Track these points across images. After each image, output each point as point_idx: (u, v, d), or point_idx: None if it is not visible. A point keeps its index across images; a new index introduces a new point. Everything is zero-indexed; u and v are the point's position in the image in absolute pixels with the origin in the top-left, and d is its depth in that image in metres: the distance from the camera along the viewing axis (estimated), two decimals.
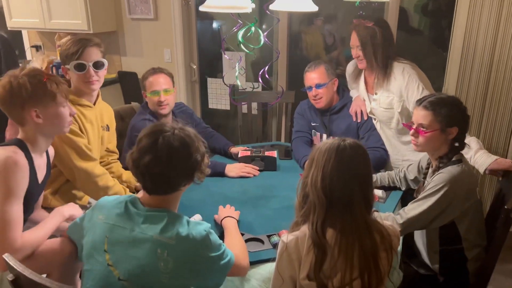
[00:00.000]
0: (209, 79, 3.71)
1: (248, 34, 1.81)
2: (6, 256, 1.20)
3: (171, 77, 2.32)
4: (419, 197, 1.63)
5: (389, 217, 1.64)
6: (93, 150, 1.88)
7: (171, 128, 1.26)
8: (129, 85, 3.83)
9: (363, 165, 1.21)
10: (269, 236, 1.64)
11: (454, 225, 1.65)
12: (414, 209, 1.61)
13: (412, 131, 1.69)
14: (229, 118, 3.88)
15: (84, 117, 1.85)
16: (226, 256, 1.29)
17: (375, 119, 2.34)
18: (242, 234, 1.65)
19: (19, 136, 1.51)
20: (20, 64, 2.97)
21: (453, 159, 1.64)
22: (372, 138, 2.28)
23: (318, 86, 2.32)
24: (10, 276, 1.17)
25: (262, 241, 1.62)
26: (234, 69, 3.50)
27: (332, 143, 1.23)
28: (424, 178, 1.78)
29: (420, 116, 1.65)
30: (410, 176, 1.95)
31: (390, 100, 2.17)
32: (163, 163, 1.21)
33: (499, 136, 2.87)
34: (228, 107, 3.71)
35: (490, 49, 2.68)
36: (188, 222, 1.27)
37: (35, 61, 4.04)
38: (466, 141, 1.87)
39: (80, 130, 1.82)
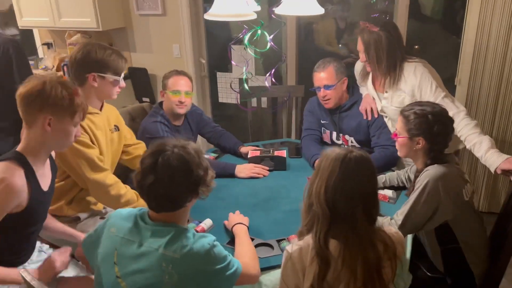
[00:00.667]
0: (218, 74, 3.70)
1: (254, 38, 1.80)
2: (23, 272, 1.24)
3: (191, 82, 2.42)
4: (409, 199, 1.65)
5: (385, 223, 1.65)
6: (104, 159, 1.91)
7: (172, 146, 1.27)
8: (139, 81, 3.85)
9: (367, 180, 1.22)
10: (278, 241, 1.66)
11: (448, 226, 1.66)
12: (404, 212, 1.63)
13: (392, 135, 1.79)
14: (239, 111, 3.88)
15: (94, 125, 1.88)
16: (232, 266, 1.30)
17: (386, 117, 2.31)
18: (252, 239, 1.67)
19: (19, 147, 1.51)
20: (32, 65, 2.99)
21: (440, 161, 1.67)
22: (383, 136, 2.26)
23: (326, 87, 2.30)
24: None
25: (271, 246, 1.64)
26: (243, 63, 3.49)
27: (339, 153, 1.23)
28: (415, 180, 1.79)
29: (398, 121, 1.76)
30: (412, 177, 1.94)
31: (402, 99, 2.14)
32: (165, 184, 1.23)
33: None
34: (238, 101, 3.71)
35: (505, 36, 2.62)
36: (193, 235, 1.28)
37: (47, 58, 4.08)
38: (477, 139, 1.86)
39: (91, 141, 1.85)
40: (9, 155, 1.48)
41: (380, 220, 1.59)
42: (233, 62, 1.94)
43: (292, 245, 1.26)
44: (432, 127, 1.64)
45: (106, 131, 1.99)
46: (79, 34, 3.74)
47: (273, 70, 1.78)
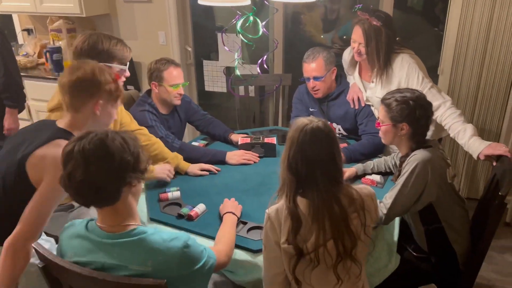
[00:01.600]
0: (205, 62, 3.69)
1: (247, 24, 1.82)
2: (35, 244, 1.25)
3: None
4: (396, 183, 1.72)
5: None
6: None
7: (95, 133, 1.18)
8: None
9: (323, 148, 1.32)
10: None
11: (431, 206, 1.73)
12: (393, 195, 1.69)
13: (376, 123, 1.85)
14: (226, 100, 3.89)
15: None
16: (209, 261, 1.28)
17: (372, 106, 2.37)
18: (245, 223, 1.71)
19: (64, 126, 1.53)
20: (13, 50, 2.93)
21: (424, 145, 1.75)
22: (370, 124, 2.31)
23: (315, 78, 2.34)
24: (39, 263, 1.24)
25: None
26: (231, 53, 3.49)
27: (300, 124, 1.34)
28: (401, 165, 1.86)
29: (379, 110, 1.82)
30: (398, 163, 2.01)
31: (387, 90, 2.19)
32: (83, 170, 1.12)
33: (493, 116, 2.92)
34: (224, 90, 3.71)
35: (486, 27, 2.70)
36: (163, 239, 1.18)
37: (28, 45, 3.99)
38: (461, 127, 1.93)
39: None
40: (58, 133, 1.50)
41: None
42: (226, 48, 1.95)
43: (270, 208, 1.39)
44: (414, 112, 1.71)
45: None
46: (62, 20, 3.66)
47: (265, 57, 1.80)
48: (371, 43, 2.14)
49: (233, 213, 1.70)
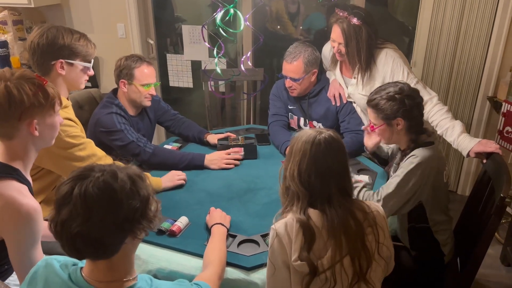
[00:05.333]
0: (168, 55, 3.47)
1: (227, 17, 1.66)
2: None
3: None
4: (390, 181, 1.68)
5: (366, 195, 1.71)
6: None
7: (100, 171, 0.96)
8: None
9: (338, 159, 1.26)
10: (263, 236, 1.56)
11: (421, 206, 1.70)
12: (389, 196, 1.64)
13: (369, 128, 1.80)
14: (192, 95, 3.69)
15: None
16: None
17: (354, 103, 2.28)
18: (234, 236, 1.57)
19: (5, 160, 1.27)
20: None
21: (426, 141, 1.69)
22: (353, 121, 2.23)
23: (292, 79, 2.23)
24: None
25: (257, 243, 1.54)
26: (196, 44, 3.30)
27: (309, 136, 1.26)
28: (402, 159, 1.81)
29: (369, 113, 1.77)
30: (399, 156, 1.94)
31: (370, 87, 2.12)
32: (82, 220, 0.91)
33: (464, 107, 2.95)
34: (191, 85, 3.52)
35: (458, 18, 2.70)
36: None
37: None
38: (449, 124, 1.89)
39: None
40: (5, 171, 1.25)
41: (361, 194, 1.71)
42: (206, 44, 1.78)
43: (276, 223, 1.26)
44: (404, 104, 1.66)
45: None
46: (7, 11, 3.31)
47: (249, 53, 1.65)
48: (351, 42, 2.05)
49: (222, 225, 1.56)
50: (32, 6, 3.14)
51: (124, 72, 2.08)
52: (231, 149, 2.09)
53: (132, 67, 2.07)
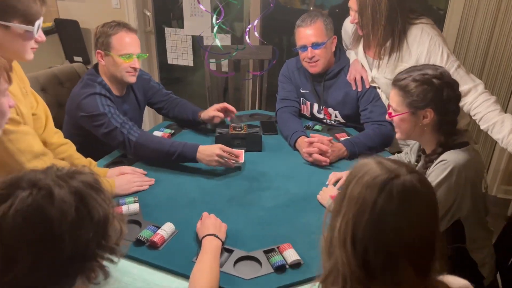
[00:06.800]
0: (167, 29, 3.13)
1: None
2: None
3: None
4: None
5: None
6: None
7: (30, 186, 0.66)
8: (69, 36, 3.20)
9: (424, 221, 0.78)
10: (267, 253, 1.25)
11: (459, 223, 1.38)
12: None
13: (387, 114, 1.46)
14: (193, 74, 3.36)
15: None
16: None
17: (379, 88, 1.94)
18: (231, 251, 1.25)
19: None
20: None
21: (457, 141, 1.37)
22: (377, 110, 1.89)
23: (315, 45, 1.87)
24: None
25: (258, 261, 1.23)
26: (197, 17, 2.95)
27: (377, 176, 0.77)
28: (417, 161, 1.51)
29: (390, 95, 1.42)
30: (413, 160, 1.63)
31: (399, 70, 1.77)
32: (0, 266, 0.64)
33: (499, 94, 2.59)
34: (191, 63, 3.18)
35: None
36: None
37: None
38: (498, 118, 1.55)
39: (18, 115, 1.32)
40: None
41: None
42: (201, 7, 1.43)
43: None
44: (441, 93, 1.32)
45: (25, 103, 1.43)
46: None
47: (257, 21, 1.31)
48: (366, 11, 1.69)
49: (216, 236, 1.25)
50: None
51: (100, 40, 1.73)
52: (229, 149, 1.67)
53: (109, 34, 1.71)
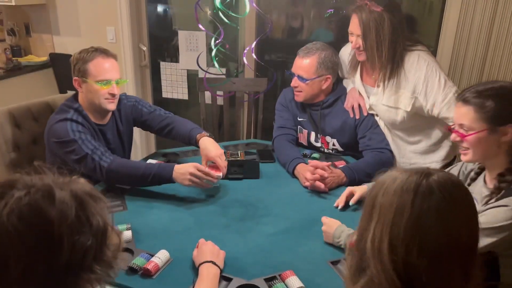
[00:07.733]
0: (162, 64, 3.14)
1: (227, 0, 1.32)
2: None
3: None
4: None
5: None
6: None
7: (27, 187, 0.62)
8: (63, 70, 3.19)
9: (465, 219, 0.75)
10: (268, 281, 1.18)
11: (494, 259, 1.25)
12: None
13: (453, 134, 1.30)
14: (187, 109, 3.35)
15: None
16: None
17: (377, 115, 1.93)
18: (230, 280, 1.18)
19: None
20: None
21: None
22: (375, 137, 1.87)
23: (300, 78, 1.89)
24: None
25: None
26: (193, 52, 2.97)
27: (406, 181, 0.75)
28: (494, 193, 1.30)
29: (460, 113, 1.27)
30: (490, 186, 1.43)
31: (398, 97, 1.77)
32: None
33: None
34: (186, 97, 3.18)
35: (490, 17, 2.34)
36: None
37: None
38: None
39: None
40: None
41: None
42: (200, 27, 1.43)
43: None
44: None
45: None
46: None
47: (254, 43, 1.31)
48: (370, 34, 1.71)
49: (214, 263, 1.17)
50: (13, 4, 2.86)
51: (77, 67, 1.67)
52: (205, 169, 1.58)
53: (85, 59, 1.65)
